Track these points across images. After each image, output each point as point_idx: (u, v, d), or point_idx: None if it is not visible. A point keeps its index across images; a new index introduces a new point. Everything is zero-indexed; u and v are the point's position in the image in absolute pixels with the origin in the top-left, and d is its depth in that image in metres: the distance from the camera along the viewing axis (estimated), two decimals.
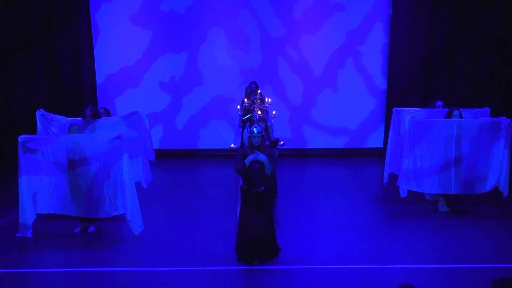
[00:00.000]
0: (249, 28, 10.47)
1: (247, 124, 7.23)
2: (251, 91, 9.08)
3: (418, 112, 8.02)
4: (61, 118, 7.80)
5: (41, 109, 7.81)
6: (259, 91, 8.28)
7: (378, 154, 10.64)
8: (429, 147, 7.24)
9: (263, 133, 5.98)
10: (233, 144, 7.32)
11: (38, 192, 6.76)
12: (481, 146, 7.20)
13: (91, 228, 7.04)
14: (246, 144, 6.10)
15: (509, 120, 7.17)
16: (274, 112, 7.48)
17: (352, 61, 10.56)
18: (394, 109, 8.21)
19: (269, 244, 6.07)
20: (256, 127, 5.89)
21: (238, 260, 6.10)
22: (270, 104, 7.61)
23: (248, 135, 5.99)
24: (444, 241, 6.67)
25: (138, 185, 7.82)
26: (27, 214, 6.72)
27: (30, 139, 6.73)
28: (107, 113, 8.18)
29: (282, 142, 7.51)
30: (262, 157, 5.81)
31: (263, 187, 5.93)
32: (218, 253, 6.32)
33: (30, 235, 6.79)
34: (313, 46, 10.49)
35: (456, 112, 7.33)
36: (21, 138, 6.67)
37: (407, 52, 10.10)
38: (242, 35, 10.50)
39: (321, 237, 6.83)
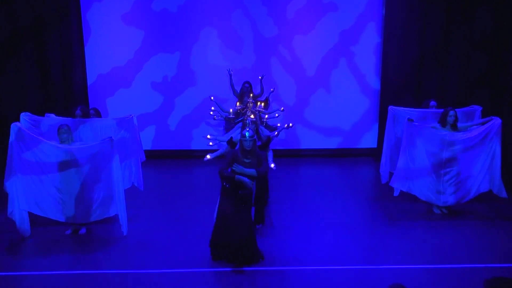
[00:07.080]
0: (242, 28, 10.43)
1: (237, 125, 7.19)
2: (244, 91, 9.04)
3: (413, 113, 8.01)
4: (48, 119, 7.66)
5: (26, 112, 7.62)
6: (251, 94, 8.24)
7: (372, 154, 10.64)
8: (423, 150, 7.21)
9: (255, 136, 5.92)
10: (209, 155, 6.99)
11: (28, 191, 6.64)
12: (475, 151, 7.20)
13: (82, 230, 6.98)
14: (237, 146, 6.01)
15: (500, 120, 7.17)
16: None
17: (345, 61, 10.55)
18: (390, 107, 8.20)
19: (248, 248, 5.93)
20: (248, 130, 5.82)
21: (213, 259, 6.08)
22: (262, 108, 7.61)
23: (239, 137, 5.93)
24: (438, 241, 6.66)
25: (134, 188, 7.77)
26: (20, 215, 6.62)
27: (24, 131, 6.54)
28: (98, 114, 8.09)
29: (276, 133, 7.37)
30: (249, 171, 5.73)
31: (247, 191, 5.84)
32: (210, 255, 6.26)
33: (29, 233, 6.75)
34: (306, 46, 10.47)
35: (451, 112, 7.29)
36: (16, 125, 6.47)
37: (400, 52, 10.10)
38: (235, 35, 10.45)
39: (315, 238, 6.80)
